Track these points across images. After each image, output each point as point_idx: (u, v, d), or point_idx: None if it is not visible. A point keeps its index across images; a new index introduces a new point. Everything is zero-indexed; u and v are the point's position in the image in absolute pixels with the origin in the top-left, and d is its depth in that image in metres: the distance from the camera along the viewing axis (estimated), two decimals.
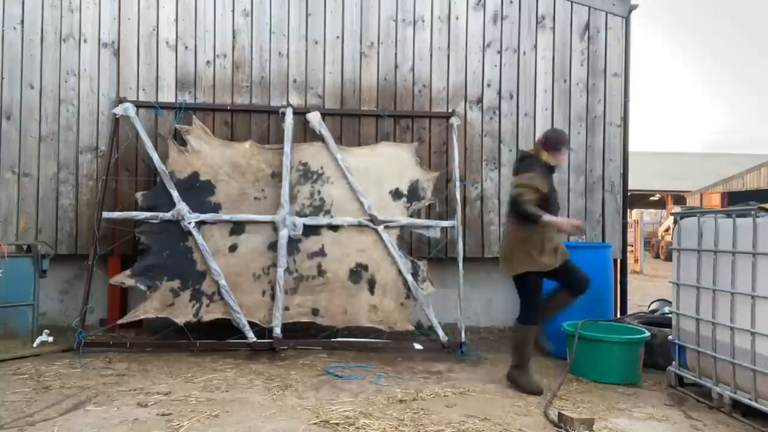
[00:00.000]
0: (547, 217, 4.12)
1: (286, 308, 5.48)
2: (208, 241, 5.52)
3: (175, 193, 5.53)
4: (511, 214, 4.35)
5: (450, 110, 6.28)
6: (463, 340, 5.45)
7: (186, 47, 6.13)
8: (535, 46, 6.42)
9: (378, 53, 6.27)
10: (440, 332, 5.57)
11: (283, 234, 5.51)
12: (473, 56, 6.36)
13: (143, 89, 6.08)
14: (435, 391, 4.22)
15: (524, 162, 4.40)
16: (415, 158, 5.95)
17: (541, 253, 4.25)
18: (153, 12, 6.10)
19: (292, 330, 5.63)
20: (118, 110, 5.78)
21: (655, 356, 4.96)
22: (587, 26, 6.46)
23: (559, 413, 3.60)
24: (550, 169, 4.44)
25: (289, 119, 5.83)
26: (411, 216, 5.85)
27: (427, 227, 5.89)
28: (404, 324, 5.61)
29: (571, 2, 6.44)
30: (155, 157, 5.66)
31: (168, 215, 5.50)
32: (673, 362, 4.53)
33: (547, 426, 3.57)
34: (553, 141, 4.39)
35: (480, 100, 6.35)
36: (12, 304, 5.16)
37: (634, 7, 6.50)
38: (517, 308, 6.70)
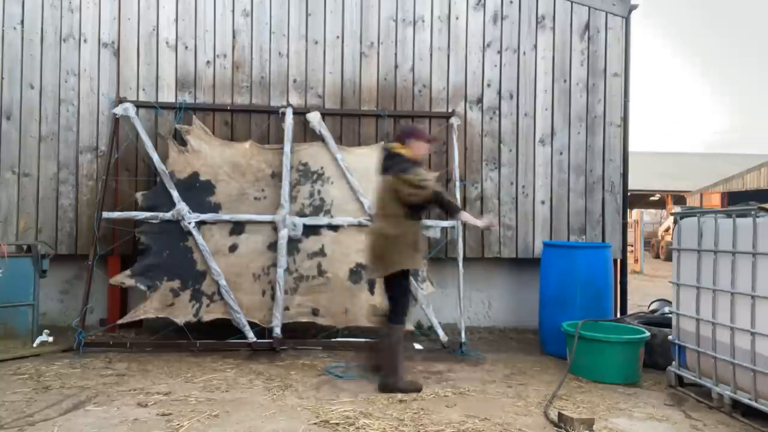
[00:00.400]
0: (465, 214, 4.35)
1: (286, 308, 5.48)
2: (208, 241, 5.52)
3: (175, 193, 5.53)
4: (387, 211, 4.22)
5: (450, 110, 6.28)
6: (463, 340, 5.45)
7: (186, 47, 6.12)
8: (535, 46, 6.42)
9: (378, 53, 6.27)
10: (440, 332, 5.57)
11: (283, 234, 5.51)
12: (473, 56, 6.36)
13: (143, 89, 6.07)
14: (435, 391, 4.22)
15: (395, 160, 4.26)
16: None
17: (415, 251, 4.23)
18: (153, 12, 6.10)
19: (292, 330, 5.62)
20: (118, 110, 5.77)
21: (655, 356, 4.96)
22: (587, 26, 6.46)
23: (559, 413, 3.60)
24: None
25: (289, 119, 5.83)
26: None
27: (427, 227, 5.89)
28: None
29: (571, 2, 6.44)
30: (155, 157, 5.66)
31: (168, 215, 5.50)
32: (673, 362, 4.53)
33: (547, 426, 3.57)
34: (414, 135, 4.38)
35: (480, 100, 6.35)
36: (12, 304, 5.15)
37: (634, 7, 6.50)
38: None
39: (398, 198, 4.14)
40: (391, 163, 4.26)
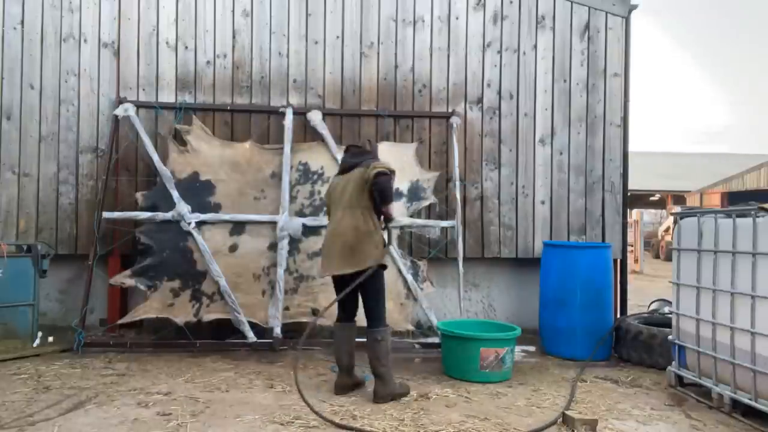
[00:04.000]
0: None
1: (287, 308, 5.48)
2: (208, 241, 5.52)
3: (175, 193, 5.53)
4: (353, 204, 3.99)
5: (450, 110, 6.28)
6: None
7: (186, 47, 6.12)
8: (535, 46, 6.42)
9: (378, 53, 6.27)
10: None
11: (283, 234, 5.51)
12: (473, 56, 6.36)
13: (143, 89, 6.07)
14: (435, 391, 4.22)
15: (366, 156, 4.17)
16: (415, 158, 5.95)
17: (384, 245, 4.08)
18: (153, 12, 6.10)
19: (292, 330, 5.62)
20: (119, 110, 5.77)
21: (655, 356, 4.96)
22: (587, 26, 6.46)
23: (563, 414, 3.61)
24: None
25: (289, 119, 5.83)
26: (411, 216, 5.85)
27: (427, 227, 5.89)
28: (404, 324, 5.61)
29: (571, 2, 6.44)
30: (155, 157, 5.66)
31: (168, 215, 5.50)
32: (673, 362, 4.53)
33: (546, 426, 3.57)
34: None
35: (480, 100, 6.35)
36: (12, 304, 5.15)
37: (634, 7, 6.50)
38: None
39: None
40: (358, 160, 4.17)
